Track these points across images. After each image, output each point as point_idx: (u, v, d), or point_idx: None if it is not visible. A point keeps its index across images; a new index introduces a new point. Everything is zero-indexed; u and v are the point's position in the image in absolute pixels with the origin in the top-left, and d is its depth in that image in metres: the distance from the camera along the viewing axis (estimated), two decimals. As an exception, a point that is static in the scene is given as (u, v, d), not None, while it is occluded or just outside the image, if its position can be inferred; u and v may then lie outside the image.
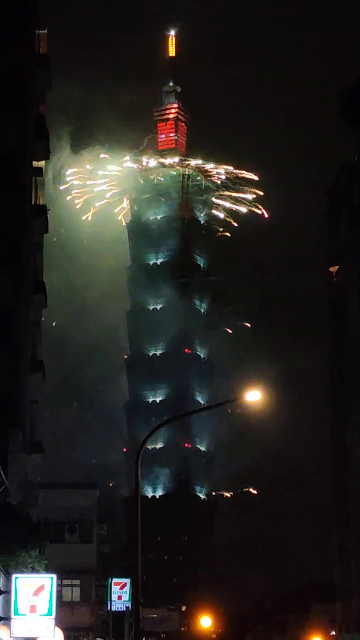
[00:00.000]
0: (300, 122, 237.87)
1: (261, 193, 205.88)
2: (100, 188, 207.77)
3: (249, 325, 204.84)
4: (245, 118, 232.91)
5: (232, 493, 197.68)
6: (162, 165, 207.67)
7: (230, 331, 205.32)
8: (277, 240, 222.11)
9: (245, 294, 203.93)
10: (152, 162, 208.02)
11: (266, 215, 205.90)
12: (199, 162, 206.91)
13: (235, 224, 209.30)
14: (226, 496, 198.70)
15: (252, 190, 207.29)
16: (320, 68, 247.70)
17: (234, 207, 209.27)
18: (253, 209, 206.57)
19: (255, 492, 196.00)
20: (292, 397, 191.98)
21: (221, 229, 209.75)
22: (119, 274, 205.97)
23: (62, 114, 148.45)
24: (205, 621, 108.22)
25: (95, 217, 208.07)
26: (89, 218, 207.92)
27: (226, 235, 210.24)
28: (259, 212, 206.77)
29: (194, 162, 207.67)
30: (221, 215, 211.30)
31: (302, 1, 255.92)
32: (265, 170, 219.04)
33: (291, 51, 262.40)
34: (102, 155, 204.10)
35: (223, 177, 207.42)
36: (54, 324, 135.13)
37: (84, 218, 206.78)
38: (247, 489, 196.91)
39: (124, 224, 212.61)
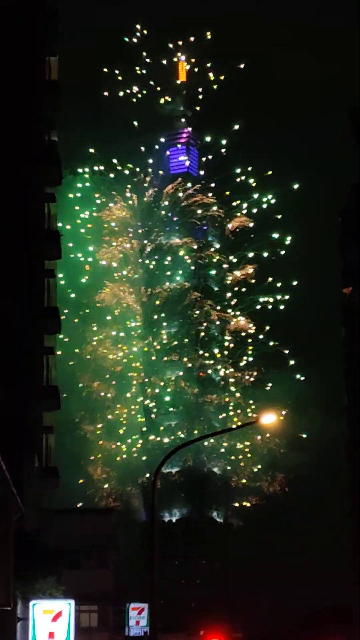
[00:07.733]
0: (311, 141, 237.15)
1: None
2: None
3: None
4: (254, 137, 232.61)
5: (248, 515, 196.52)
6: None
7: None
8: (290, 263, 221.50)
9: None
10: None
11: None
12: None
13: None
14: (242, 520, 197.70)
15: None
16: (332, 86, 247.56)
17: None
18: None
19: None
20: (308, 418, 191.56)
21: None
22: None
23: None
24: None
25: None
26: None
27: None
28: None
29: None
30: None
31: (312, 22, 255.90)
32: (276, 191, 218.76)
33: (302, 67, 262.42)
34: None
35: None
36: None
37: None
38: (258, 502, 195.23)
39: None
